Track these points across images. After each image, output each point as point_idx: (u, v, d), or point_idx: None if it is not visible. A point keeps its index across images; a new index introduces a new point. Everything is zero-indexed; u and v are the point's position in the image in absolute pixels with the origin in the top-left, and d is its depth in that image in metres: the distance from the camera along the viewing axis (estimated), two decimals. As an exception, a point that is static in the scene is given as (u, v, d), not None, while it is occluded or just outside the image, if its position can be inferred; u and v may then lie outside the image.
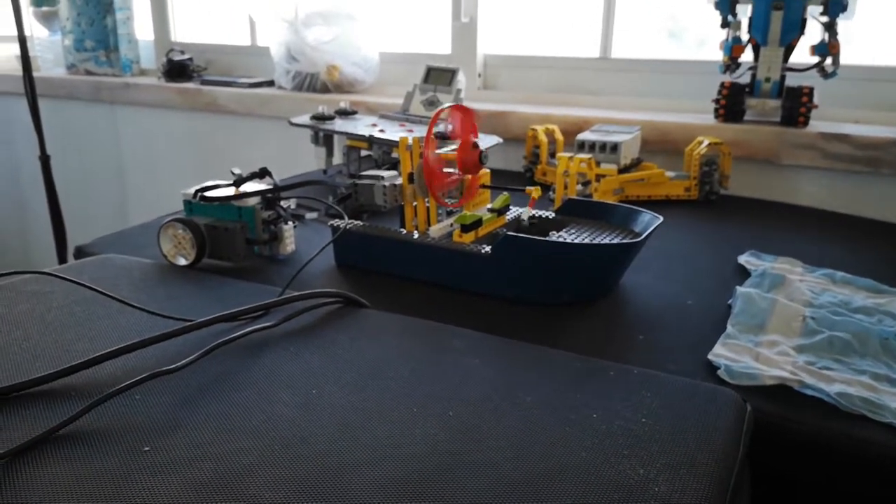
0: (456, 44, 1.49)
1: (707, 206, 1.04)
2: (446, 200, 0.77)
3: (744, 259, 0.80)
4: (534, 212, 0.80)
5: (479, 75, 1.50)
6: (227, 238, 0.76)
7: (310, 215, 0.95)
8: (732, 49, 1.13)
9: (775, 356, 0.58)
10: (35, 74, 1.74)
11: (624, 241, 0.72)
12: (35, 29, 2.07)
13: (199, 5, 1.94)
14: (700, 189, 1.05)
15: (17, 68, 1.82)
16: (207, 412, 0.45)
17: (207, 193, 0.77)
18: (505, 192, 0.80)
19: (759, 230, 0.94)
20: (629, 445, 0.42)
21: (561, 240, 0.71)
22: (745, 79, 1.15)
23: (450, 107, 0.75)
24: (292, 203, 0.99)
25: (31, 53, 1.68)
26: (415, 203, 0.76)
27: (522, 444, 0.42)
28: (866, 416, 0.51)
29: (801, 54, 1.11)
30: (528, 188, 0.74)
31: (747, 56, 1.14)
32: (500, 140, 1.12)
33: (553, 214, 0.80)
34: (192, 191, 0.78)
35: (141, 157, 1.92)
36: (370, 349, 0.55)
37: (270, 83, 1.69)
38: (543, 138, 1.15)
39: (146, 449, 0.41)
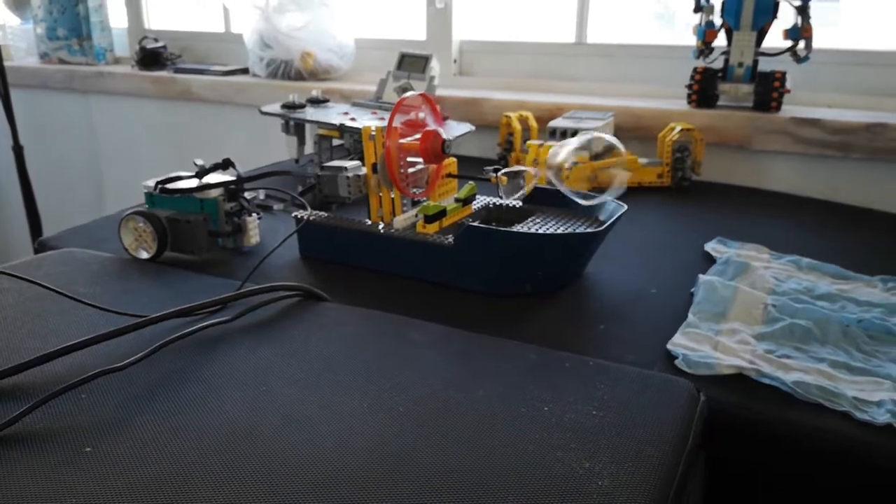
0: (431, 30, 1.48)
1: (679, 193, 1.04)
2: (412, 190, 0.76)
3: (710, 246, 0.80)
4: (500, 202, 0.80)
5: (455, 61, 1.49)
6: (189, 231, 0.75)
7: (277, 206, 0.94)
8: (705, 34, 1.12)
9: (734, 344, 0.58)
10: (7, 64, 1.71)
11: (587, 230, 0.72)
12: (6, 17, 2.03)
13: (172, -8, 1.92)
14: (673, 175, 1.05)
15: (-13, 58, 1.79)
16: (153, 411, 0.45)
17: (168, 185, 0.76)
18: (471, 182, 0.79)
19: (730, 216, 0.94)
20: (577, 438, 0.42)
21: (524, 230, 0.70)
22: (719, 63, 1.15)
23: (413, 95, 0.74)
24: (260, 194, 0.98)
25: (2, 42, 1.65)
26: (380, 193, 0.75)
27: (471, 439, 0.42)
28: (822, 405, 0.51)
29: (776, 38, 1.11)
30: (493, 175, 0.74)
31: (721, 41, 1.14)
32: (472, 127, 1.11)
33: (521, 203, 0.80)
34: (152, 182, 0.77)
35: (117, 146, 1.90)
36: (326, 344, 0.54)
37: (245, 71, 1.67)
38: (517, 125, 1.15)
39: (87, 450, 0.41)
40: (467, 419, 0.44)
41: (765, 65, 1.12)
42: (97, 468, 0.39)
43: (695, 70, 1.15)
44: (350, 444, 0.41)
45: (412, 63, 1.28)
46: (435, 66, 1.27)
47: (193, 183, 0.77)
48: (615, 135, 1.14)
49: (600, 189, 1.05)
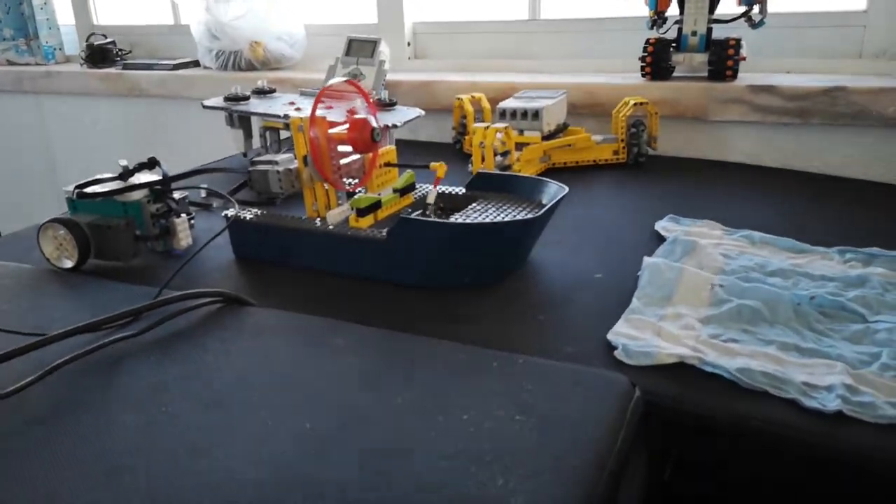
0: (382, 12, 1.43)
1: (636, 169, 1.01)
2: (345, 182, 0.73)
3: (661, 225, 0.77)
4: (441, 189, 0.76)
5: (409, 44, 1.44)
6: (113, 236, 0.71)
7: (217, 205, 0.90)
8: (657, 2, 1.08)
9: (678, 330, 0.55)
10: (-52, 68, 1.65)
11: (527, 215, 0.68)
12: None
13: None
14: (628, 152, 1.01)
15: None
16: (37, 442, 0.41)
17: (87, 189, 0.72)
18: (409, 171, 0.76)
19: (688, 191, 0.91)
20: (494, 450, 0.39)
21: (461, 219, 0.67)
22: (674, 34, 1.11)
23: (338, 82, 0.70)
24: (202, 192, 0.93)
25: (-61, 46, 1.59)
26: (313, 187, 0.71)
27: (380, 457, 0.39)
28: (769, 392, 0.48)
29: (730, 5, 1.07)
30: (433, 164, 0.70)
31: (675, 10, 1.10)
32: (422, 112, 1.07)
33: (462, 190, 0.76)
34: (71, 187, 0.73)
35: (72, 148, 1.84)
36: (241, 355, 0.51)
37: (196, 63, 1.62)
38: (469, 108, 1.11)
39: (-47, 493, 0.37)
40: (380, 433, 0.41)
41: (720, 32, 1.08)
42: (-37, 513, 0.36)
43: (647, 41, 1.11)
44: (240, 475, 0.38)
45: (361, 48, 1.23)
46: (384, 51, 1.22)
47: (115, 185, 0.73)
48: (569, 112, 1.11)
49: (556, 169, 1.01)
